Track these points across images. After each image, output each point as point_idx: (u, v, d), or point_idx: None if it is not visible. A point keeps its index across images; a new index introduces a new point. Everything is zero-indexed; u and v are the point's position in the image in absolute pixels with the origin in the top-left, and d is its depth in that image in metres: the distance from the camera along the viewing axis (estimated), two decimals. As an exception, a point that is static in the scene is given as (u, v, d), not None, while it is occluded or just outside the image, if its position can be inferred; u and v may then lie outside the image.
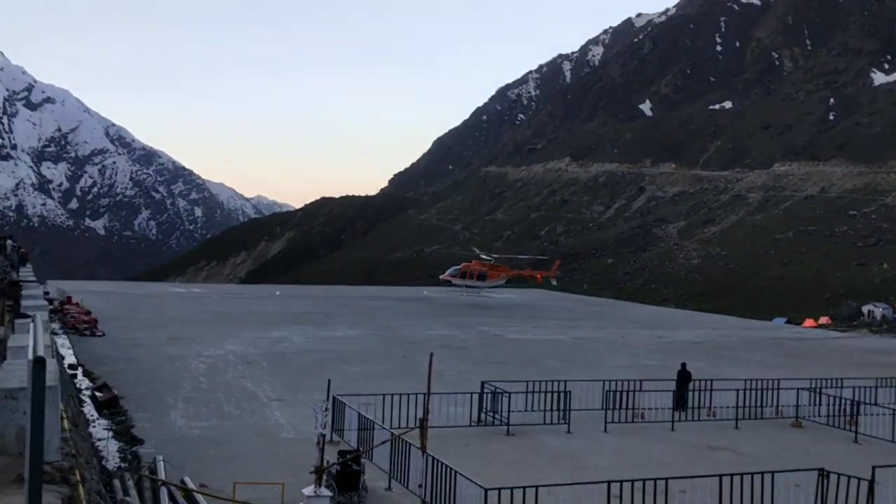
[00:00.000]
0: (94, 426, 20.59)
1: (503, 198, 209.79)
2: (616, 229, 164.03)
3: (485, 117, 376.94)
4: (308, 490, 13.53)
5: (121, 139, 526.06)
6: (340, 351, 34.96)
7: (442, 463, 14.18)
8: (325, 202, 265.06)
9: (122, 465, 17.22)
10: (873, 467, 14.65)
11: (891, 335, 57.06)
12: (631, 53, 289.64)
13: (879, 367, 34.55)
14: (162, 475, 15.76)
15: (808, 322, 68.63)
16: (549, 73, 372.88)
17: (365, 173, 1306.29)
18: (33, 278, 29.01)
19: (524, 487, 13.00)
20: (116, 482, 15.00)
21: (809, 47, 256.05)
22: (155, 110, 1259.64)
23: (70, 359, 29.32)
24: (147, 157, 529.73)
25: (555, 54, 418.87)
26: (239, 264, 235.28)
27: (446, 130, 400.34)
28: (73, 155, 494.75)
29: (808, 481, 14.77)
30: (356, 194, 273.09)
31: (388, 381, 26.57)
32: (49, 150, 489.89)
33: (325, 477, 14.25)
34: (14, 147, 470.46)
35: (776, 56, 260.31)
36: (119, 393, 23.58)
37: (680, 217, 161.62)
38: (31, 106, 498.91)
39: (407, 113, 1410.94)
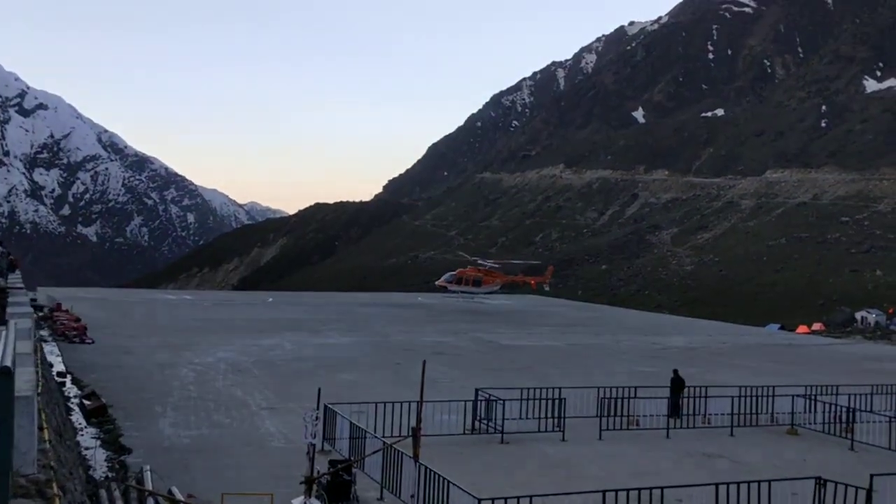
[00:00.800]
0: (82, 435, 20.29)
1: (498, 204, 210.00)
2: (610, 235, 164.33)
3: (479, 124, 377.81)
4: (297, 501, 13.27)
5: (113, 145, 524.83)
6: (333, 358, 34.66)
7: (435, 472, 13.96)
8: (318, 208, 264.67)
9: (109, 474, 16.92)
10: (871, 475, 14.48)
11: (885, 341, 57.08)
12: (624, 61, 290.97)
13: (874, 374, 34.45)
14: (149, 485, 15.47)
15: (802, 328, 68.70)
16: (543, 80, 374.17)
17: (359, 179, 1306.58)
18: (21, 285, 28.63)
19: (518, 497, 12.80)
20: (103, 492, 14.72)
21: (801, 55, 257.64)
22: (148, 116, 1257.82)
23: (59, 366, 28.97)
24: (139, 163, 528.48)
25: (548, 61, 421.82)
26: (231, 271, 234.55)
27: (441, 137, 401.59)
28: (65, 161, 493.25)
29: (805, 490, 14.59)
30: (350, 200, 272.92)
31: (381, 388, 26.31)
32: (41, 156, 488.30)
33: (315, 487, 13.99)
34: (6, 153, 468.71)
35: (768, 64, 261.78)
36: (108, 401, 23.26)
37: (673, 223, 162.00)
38: (24, 112, 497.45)
39: (401, 119, 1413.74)
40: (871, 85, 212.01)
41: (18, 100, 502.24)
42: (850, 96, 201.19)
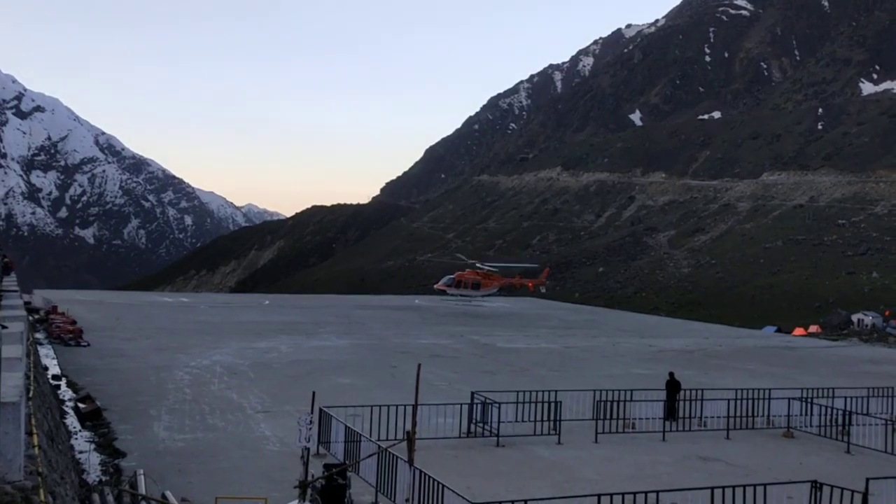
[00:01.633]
0: (77, 438, 20.20)
1: (495, 206, 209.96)
2: (607, 238, 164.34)
3: (476, 126, 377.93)
4: (291, 505, 13.20)
5: (111, 147, 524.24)
6: (329, 361, 34.58)
7: (430, 476, 13.90)
8: (316, 210, 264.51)
9: (103, 478, 16.83)
10: (867, 479, 14.44)
11: (881, 344, 57.11)
12: (621, 64, 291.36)
13: (871, 377, 34.46)
14: (142, 489, 15.37)
15: (798, 331, 68.67)
16: (540, 82, 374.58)
17: (357, 181, 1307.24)
18: (16, 288, 28.52)
19: (513, 501, 12.74)
20: (96, 497, 14.63)
21: (798, 58, 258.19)
22: (145, 119, 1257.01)
23: (54, 370, 28.86)
24: (137, 165, 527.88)
25: (546, 64, 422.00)
26: (229, 273, 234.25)
27: (438, 139, 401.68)
28: (62, 164, 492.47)
29: (801, 493, 14.56)
30: (348, 203, 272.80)
31: (377, 391, 26.25)
32: (39, 158, 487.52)
33: (309, 491, 13.92)
34: (4, 156, 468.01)
35: (765, 66, 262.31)
36: (102, 404, 23.16)
37: (670, 226, 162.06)
38: (21, 114, 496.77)
39: (399, 121, 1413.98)
40: (867, 87, 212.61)
41: (16, 102, 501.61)
42: (847, 99, 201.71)
